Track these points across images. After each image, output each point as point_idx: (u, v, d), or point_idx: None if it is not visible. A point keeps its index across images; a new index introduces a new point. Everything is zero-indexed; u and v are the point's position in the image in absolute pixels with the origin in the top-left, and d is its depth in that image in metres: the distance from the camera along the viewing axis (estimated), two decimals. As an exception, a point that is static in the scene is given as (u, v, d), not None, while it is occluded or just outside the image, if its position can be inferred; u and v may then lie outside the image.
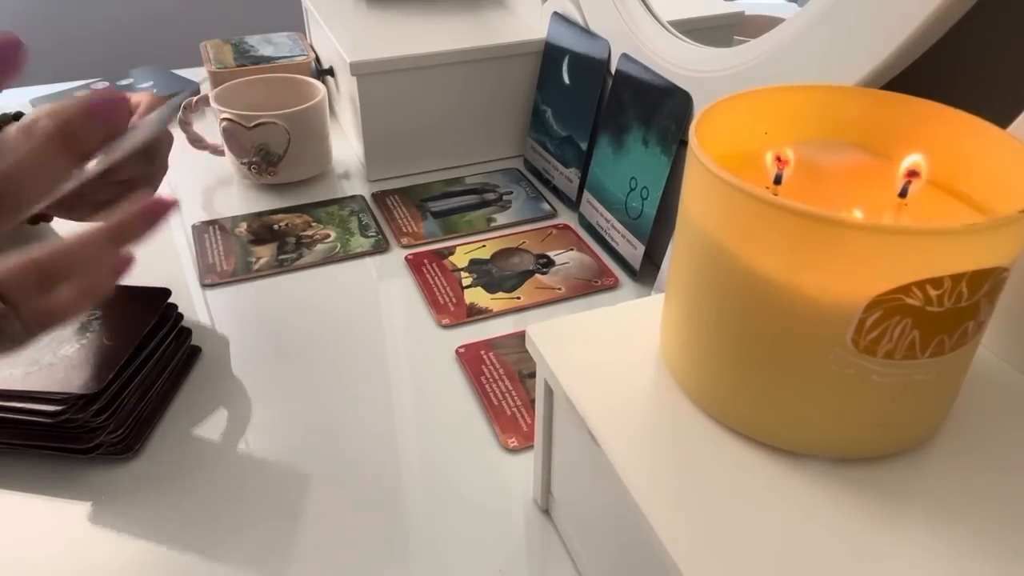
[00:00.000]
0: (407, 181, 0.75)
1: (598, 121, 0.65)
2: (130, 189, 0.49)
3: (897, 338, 0.27)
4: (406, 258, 0.63)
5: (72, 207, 0.48)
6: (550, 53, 0.72)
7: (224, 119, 0.69)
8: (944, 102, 0.32)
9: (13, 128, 0.30)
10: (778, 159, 0.31)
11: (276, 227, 0.67)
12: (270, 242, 0.65)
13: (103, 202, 0.49)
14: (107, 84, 0.89)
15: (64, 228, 0.66)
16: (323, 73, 0.82)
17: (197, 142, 0.75)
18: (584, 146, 0.67)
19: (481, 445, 0.46)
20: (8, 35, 0.29)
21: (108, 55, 1.58)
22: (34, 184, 0.30)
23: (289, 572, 0.39)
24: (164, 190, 0.72)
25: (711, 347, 0.31)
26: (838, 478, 0.29)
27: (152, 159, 0.49)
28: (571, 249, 0.64)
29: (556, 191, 0.72)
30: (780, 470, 0.30)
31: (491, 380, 0.51)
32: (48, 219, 0.65)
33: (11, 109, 0.73)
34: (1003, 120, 0.31)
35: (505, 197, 0.72)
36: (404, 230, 0.67)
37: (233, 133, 0.69)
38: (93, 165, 0.43)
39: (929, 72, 0.39)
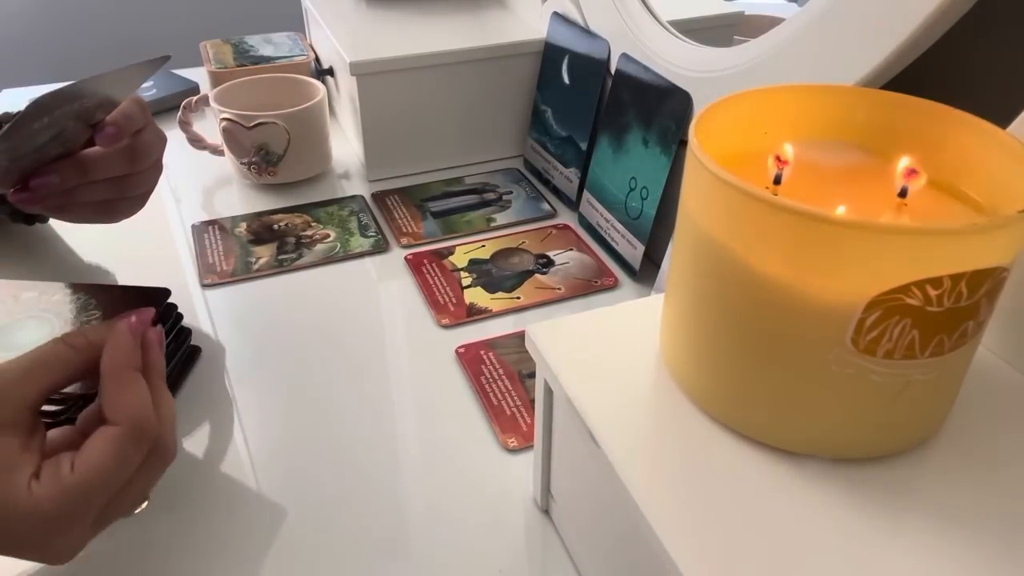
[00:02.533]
0: (407, 181, 0.75)
1: (598, 121, 0.65)
2: (121, 187, 0.49)
3: (897, 338, 0.27)
4: (406, 258, 0.63)
5: (64, 208, 0.48)
6: (550, 53, 0.72)
7: (224, 119, 0.69)
8: (944, 102, 0.32)
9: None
10: (778, 159, 0.32)
11: (276, 227, 0.67)
12: (270, 242, 0.65)
13: (97, 202, 0.49)
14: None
15: (61, 228, 0.66)
16: (323, 73, 0.82)
17: (197, 142, 0.75)
18: (584, 146, 0.67)
19: (481, 445, 0.46)
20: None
21: (108, 55, 1.58)
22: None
23: (289, 570, 0.39)
24: (164, 190, 0.73)
25: (711, 347, 0.31)
26: (838, 478, 0.29)
27: (137, 158, 0.48)
28: (571, 249, 0.64)
29: (556, 191, 0.72)
30: (780, 470, 0.30)
31: (491, 380, 0.51)
32: (44, 220, 0.65)
33: (11, 109, 0.73)
34: (1003, 120, 0.31)
35: (505, 197, 0.72)
36: (404, 230, 0.67)
37: (233, 133, 0.69)
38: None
39: (929, 72, 0.39)
